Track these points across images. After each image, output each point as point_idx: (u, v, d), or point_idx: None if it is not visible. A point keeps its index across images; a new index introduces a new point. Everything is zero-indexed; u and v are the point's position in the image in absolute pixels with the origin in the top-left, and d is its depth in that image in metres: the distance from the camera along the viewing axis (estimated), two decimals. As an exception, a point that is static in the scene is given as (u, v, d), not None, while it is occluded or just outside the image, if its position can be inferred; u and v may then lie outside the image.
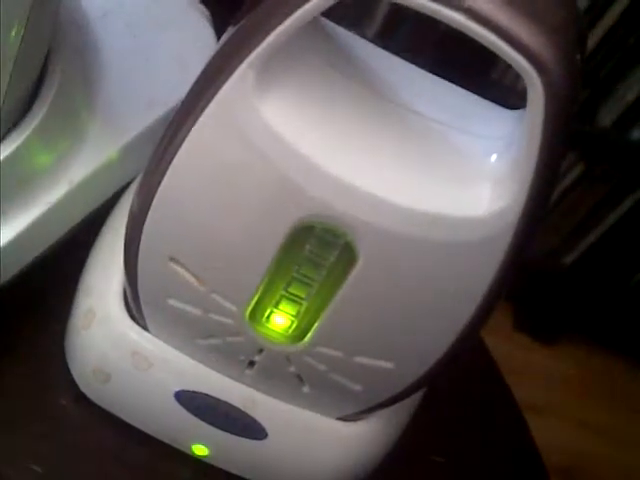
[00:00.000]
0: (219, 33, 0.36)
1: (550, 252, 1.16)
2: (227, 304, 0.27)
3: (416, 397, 0.32)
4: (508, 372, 0.45)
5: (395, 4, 0.20)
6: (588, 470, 1.09)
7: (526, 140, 0.22)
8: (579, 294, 1.18)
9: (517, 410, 0.44)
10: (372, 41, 0.26)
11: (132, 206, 0.27)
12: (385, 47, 0.26)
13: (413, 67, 0.26)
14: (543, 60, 0.20)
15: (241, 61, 0.22)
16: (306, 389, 0.29)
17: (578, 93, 0.22)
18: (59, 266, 0.32)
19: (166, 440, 0.33)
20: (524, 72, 0.20)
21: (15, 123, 0.29)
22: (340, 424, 0.31)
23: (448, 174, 0.23)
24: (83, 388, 0.32)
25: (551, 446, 0.45)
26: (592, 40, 0.96)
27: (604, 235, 1.13)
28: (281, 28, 0.22)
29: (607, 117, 1.05)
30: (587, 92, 1.02)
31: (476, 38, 0.20)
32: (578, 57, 0.22)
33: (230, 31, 0.24)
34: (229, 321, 0.27)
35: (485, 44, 0.20)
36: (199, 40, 0.35)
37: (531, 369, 1.13)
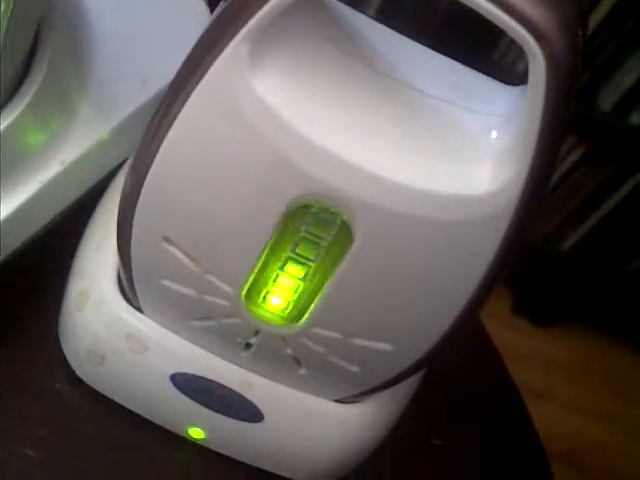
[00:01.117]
0: (211, 7, 0.35)
1: (549, 236, 1.16)
2: (222, 285, 0.26)
3: (415, 379, 0.32)
4: (507, 357, 0.44)
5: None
6: (587, 454, 1.09)
7: (527, 115, 0.21)
8: (577, 279, 1.18)
9: (517, 394, 0.44)
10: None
11: (125, 186, 0.27)
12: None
13: (412, 43, 0.25)
14: (545, 32, 0.20)
15: (234, 34, 0.22)
16: (303, 371, 0.29)
17: (580, 68, 0.21)
18: (53, 247, 0.32)
19: (162, 423, 0.32)
20: (526, 44, 0.20)
21: (6, 101, 0.29)
22: (337, 406, 0.31)
23: (447, 151, 0.23)
24: (77, 371, 0.32)
25: (550, 431, 0.45)
26: (591, 24, 0.96)
27: (603, 220, 1.12)
28: (274, 1, 0.21)
29: (607, 101, 1.04)
30: (587, 76, 1.02)
31: (478, 10, 0.20)
32: (580, 32, 0.21)
33: (223, 4, 0.24)
34: (224, 302, 0.27)
35: (487, 16, 0.20)
36: (192, 16, 0.34)
37: (530, 354, 1.13)
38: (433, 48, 0.25)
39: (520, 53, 0.86)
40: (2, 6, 0.25)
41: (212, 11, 0.26)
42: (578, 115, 1.02)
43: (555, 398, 1.10)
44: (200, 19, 0.34)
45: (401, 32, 0.25)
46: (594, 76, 1.02)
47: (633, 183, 1.09)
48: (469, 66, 0.25)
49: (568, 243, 1.17)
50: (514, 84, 0.25)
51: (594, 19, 0.96)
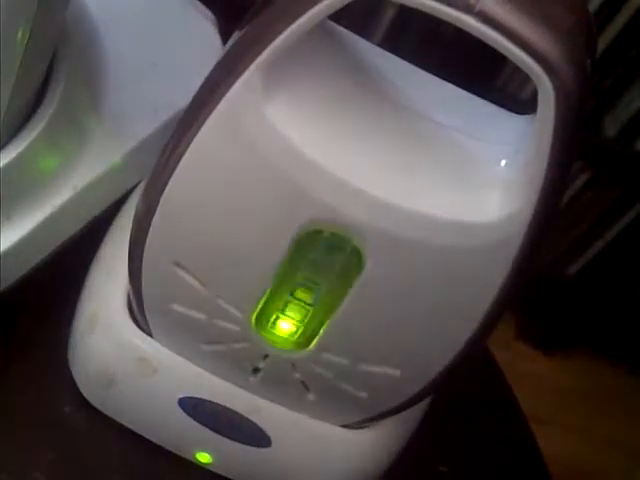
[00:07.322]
0: (224, 38, 0.36)
1: (554, 262, 1.16)
2: (232, 309, 0.27)
3: (422, 405, 0.32)
4: (510, 382, 0.44)
5: (402, 10, 0.20)
6: (591, 480, 1.08)
7: (536, 144, 0.22)
8: (583, 304, 1.18)
9: (523, 420, 0.43)
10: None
11: (137, 210, 0.27)
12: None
13: (421, 71, 0.25)
14: (554, 64, 0.20)
15: (248, 65, 0.22)
16: (311, 396, 0.29)
17: (588, 97, 0.22)
18: (63, 270, 0.32)
19: (169, 447, 0.32)
20: (534, 75, 0.20)
21: (20, 127, 0.29)
22: (345, 432, 0.31)
23: (457, 179, 0.23)
24: (86, 394, 0.32)
25: (553, 457, 0.45)
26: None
27: (609, 245, 1.12)
28: (288, 31, 0.21)
29: (612, 127, 1.05)
30: (592, 102, 1.02)
31: (486, 41, 0.20)
32: (588, 62, 0.22)
33: (236, 35, 0.24)
34: (234, 327, 0.27)
35: (495, 47, 0.20)
36: (204, 45, 0.35)
37: (534, 380, 1.12)
38: (436, 76, 0.26)
39: (523, 82, 0.87)
40: (19, 34, 0.26)
41: (225, 41, 0.26)
42: (583, 141, 1.02)
43: (558, 423, 1.09)
44: (212, 49, 0.35)
45: (406, 60, 0.26)
46: (599, 102, 1.03)
47: (639, 209, 1.09)
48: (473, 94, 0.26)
49: (574, 268, 1.16)
50: (518, 112, 0.25)
51: (599, 45, 0.97)
